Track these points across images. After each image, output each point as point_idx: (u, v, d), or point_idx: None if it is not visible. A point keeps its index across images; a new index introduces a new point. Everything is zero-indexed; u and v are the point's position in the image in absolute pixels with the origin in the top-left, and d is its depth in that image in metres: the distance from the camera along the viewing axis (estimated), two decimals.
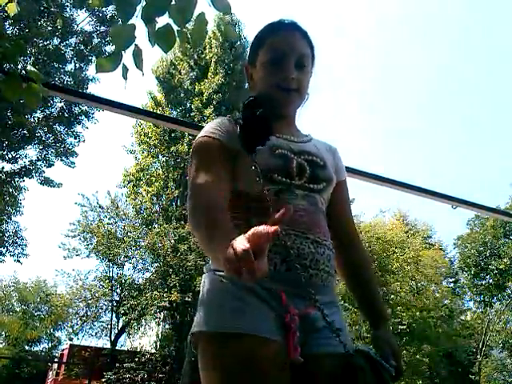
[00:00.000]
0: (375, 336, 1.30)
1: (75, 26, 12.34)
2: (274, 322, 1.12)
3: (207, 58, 18.63)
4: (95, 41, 12.68)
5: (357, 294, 1.36)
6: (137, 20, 1.52)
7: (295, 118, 1.38)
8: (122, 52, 1.55)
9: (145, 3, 1.49)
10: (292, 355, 1.09)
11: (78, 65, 12.72)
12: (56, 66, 12.21)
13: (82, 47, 12.56)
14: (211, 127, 1.27)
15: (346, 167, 2.88)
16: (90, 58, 12.58)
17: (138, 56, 1.53)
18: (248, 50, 1.39)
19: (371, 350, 1.21)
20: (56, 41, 12.28)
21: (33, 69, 1.88)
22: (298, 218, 1.19)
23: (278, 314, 1.13)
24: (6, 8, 1.96)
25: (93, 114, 13.19)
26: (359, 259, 1.37)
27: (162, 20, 1.54)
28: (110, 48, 12.51)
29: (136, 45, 1.52)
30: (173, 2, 1.51)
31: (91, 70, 12.80)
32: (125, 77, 1.55)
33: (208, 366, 1.13)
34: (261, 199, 1.17)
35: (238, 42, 19.20)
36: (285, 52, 1.28)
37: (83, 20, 12.49)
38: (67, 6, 12.12)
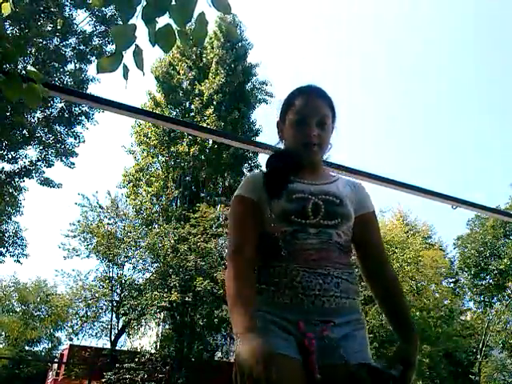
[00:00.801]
0: (397, 348, 1.45)
1: (75, 26, 12.33)
2: (293, 345, 1.35)
3: (208, 58, 18.63)
4: (95, 41, 12.67)
5: (385, 309, 1.55)
6: (137, 20, 1.52)
7: (320, 164, 1.62)
8: (123, 52, 1.55)
9: (145, 3, 1.49)
10: (315, 373, 1.31)
11: (77, 65, 12.71)
12: (56, 66, 12.20)
13: (82, 47, 12.55)
14: (244, 185, 1.58)
15: (346, 167, 2.90)
16: (90, 58, 12.58)
17: (138, 56, 1.53)
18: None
19: (379, 363, 1.37)
20: (56, 41, 12.27)
21: (33, 69, 1.88)
22: (307, 256, 1.42)
23: (297, 339, 1.36)
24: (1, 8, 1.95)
25: (93, 114, 13.18)
26: (387, 279, 1.54)
27: (163, 20, 1.54)
28: (110, 48, 12.51)
29: (137, 45, 1.52)
30: (173, 2, 1.51)
31: (91, 70, 12.79)
32: (125, 77, 1.55)
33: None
34: (274, 241, 1.45)
35: (240, 43, 19.20)
36: (308, 114, 1.54)
37: (83, 20, 12.49)
38: (67, 5, 12.10)
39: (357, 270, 1.58)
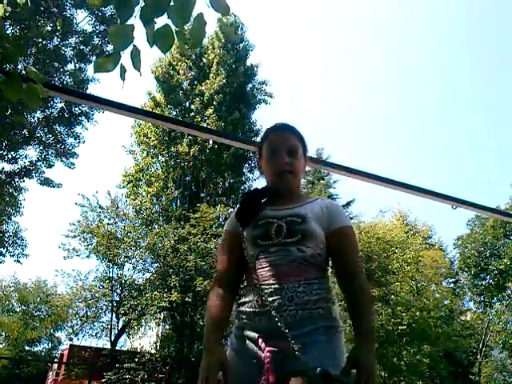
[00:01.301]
0: (350, 352, 1.47)
1: (75, 26, 12.32)
2: (252, 362, 1.51)
3: (209, 58, 18.63)
4: (95, 40, 12.66)
5: (350, 315, 1.58)
6: (135, 20, 1.51)
7: (296, 189, 1.77)
8: (121, 52, 1.54)
9: (143, 4, 1.49)
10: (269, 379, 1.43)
11: (77, 65, 12.71)
12: (56, 66, 12.20)
13: (82, 47, 12.54)
14: (228, 219, 1.81)
15: (346, 167, 2.89)
16: (90, 57, 12.57)
17: (136, 56, 1.53)
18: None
19: (336, 371, 1.40)
20: (56, 41, 12.27)
21: (33, 69, 1.88)
22: (265, 273, 1.57)
23: (257, 354, 1.51)
24: None
25: (93, 115, 13.17)
26: (353, 293, 1.58)
27: (161, 20, 1.54)
28: (110, 48, 12.49)
29: (134, 45, 1.52)
30: (171, 3, 1.50)
31: (91, 70, 12.79)
32: (122, 77, 1.55)
33: None
34: (247, 264, 1.63)
35: (241, 44, 19.20)
36: (279, 145, 1.74)
37: (83, 20, 12.48)
38: (67, 5, 12.09)
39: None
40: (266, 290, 1.54)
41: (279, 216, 1.64)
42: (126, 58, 1.54)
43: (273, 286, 1.54)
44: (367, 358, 1.41)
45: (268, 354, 1.47)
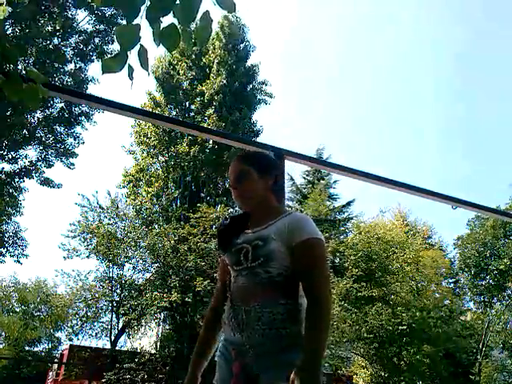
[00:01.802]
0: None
1: (75, 26, 12.32)
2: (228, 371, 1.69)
3: (210, 58, 18.63)
4: (95, 40, 12.66)
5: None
6: (141, 20, 1.51)
7: (264, 209, 1.81)
8: (128, 52, 1.54)
9: (149, 3, 1.49)
10: None
11: (77, 65, 12.71)
12: (56, 65, 12.20)
13: (82, 47, 12.55)
14: None
15: (346, 167, 2.89)
16: (91, 57, 12.57)
17: (143, 56, 1.53)
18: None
19: None
20: (56, 40, 12.27)
21: (33, 69, 1.88)
22: (236, 295, 1.71)
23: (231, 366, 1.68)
24: None
25: (92, 115, 13.19)
26: (308, 322, 1.56)
27: (166, 19, 1.54)
28: (110, 48, 12.49)
29: (141, 45, 1.52)
30: (177, 2, 1.50)
31: (91, 71, 12.79)
32: (131, 77, 1.55)
33: None
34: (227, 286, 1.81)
35: (241, 45, 19.20)
36: (230, 181, 1.87)
37: (83, 19, 12.48)
38: (68, 6, 12.10)
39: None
40: (237, 310, 1.67)
41: (247, 241, 1.74)
42: (132, 57, 1.54)
43: (242, 307, 1.66)
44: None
45: (236, 368, 1.64)
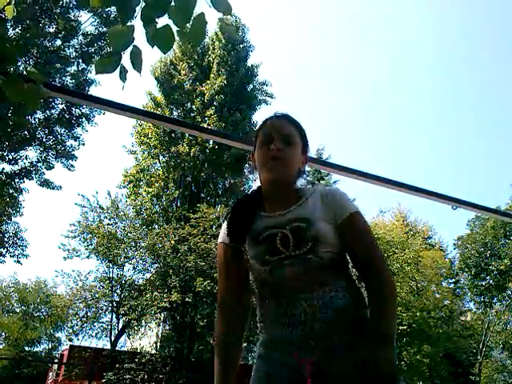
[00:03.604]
0: (365, 358, 1.33)
1: (78, 28, 12.31)
2: (286, 374, 1.42)
3: (210, 59, 18.63)
4: (97, 42, 12.65)
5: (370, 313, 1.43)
6: (135, 21, 1.51)
7: (289, 182, 1.54)
8: (121, 53, 1.54)
9: (144, 4, 1.49)
10: None
11: (79, 66, 12.71)
12: (58, 67, 12.20)
13: (84, 48, 12.54)
14: (220, 232, 1.62)
15: (346, 168, 2.89)
16: (92, 59, 12.56)
17: (136, 57, 1.52)
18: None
19: None
20: (58, 42, 12.27)
21: (33, 69, 1.88)
22: (290, 287, 1.42)
23: (292, 369, 1.40)
24: (4, 11, 1.95)
25: (93, 116, 13.18)
26: (371, 287, 1.42)
27: (161, 21, 1.54)
28: (110, 50, 12.47)
29: (135, 46, 1.52)
30: (172, 3, 1.50)
31: (93, 73, 12.79)
32: (123, 78, 1.55)
33: None
34: (256, 281, 1.51)
35: (241, 44, 19.20)
36: (270, 132, 1.53)
37: (86, 21, 12.48)
38: (70, 7, 12.08)
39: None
40: (290, 303, 1.42)
41: (280, 224, 1.46)
42: (127, 58, 1.54)
43: (298, 298, 1.41)
44: (385, 365, 1.28)
45: (308, 368, 1.36)
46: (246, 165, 18.85)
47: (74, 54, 12.56)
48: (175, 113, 18.24)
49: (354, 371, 1.33)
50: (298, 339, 1.39)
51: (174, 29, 1.53)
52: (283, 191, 1.52)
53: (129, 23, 1.52)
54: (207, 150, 17.38)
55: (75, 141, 13.16)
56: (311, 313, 1.38)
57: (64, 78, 12.51)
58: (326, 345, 1.37)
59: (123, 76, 1.56)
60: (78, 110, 12.89)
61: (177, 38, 1.54)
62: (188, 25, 1.56)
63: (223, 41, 18.65)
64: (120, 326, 15.25)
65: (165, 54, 1.58)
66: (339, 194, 1.52)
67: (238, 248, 1.53)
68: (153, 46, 1.54)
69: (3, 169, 12.51)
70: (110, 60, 1.54)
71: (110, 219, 15.04)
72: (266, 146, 1.52)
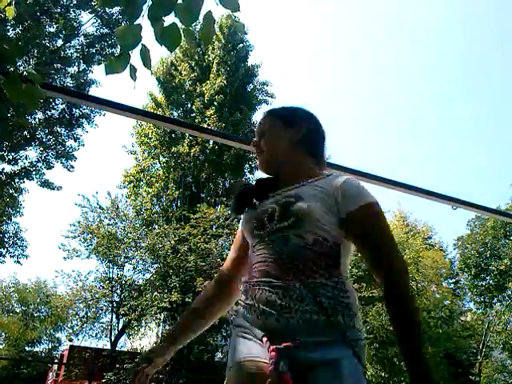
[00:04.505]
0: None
1: (79, 28, 12.32)
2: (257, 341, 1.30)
3: (210, 59, 18.64)
4: (98, 43, 12.65)
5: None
6: (143, 19, 1.52)
7: (294, 171, 1.49)
8: (130, 52, 1.55)
9: (151, 3, 1.49)
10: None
11: (80, 67, 12.72)
12: (58, 67, 12.21)
13: (85, 49, 12.54)
14: None
15: (346, 168, 2.89)
16: (93, 59, 12.57)
17: (145, 55, 1.54)
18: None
19: None
20: (59, 42, 12.28)
21: (32, 70, 1.88)
22: (261, 268, 1.34)
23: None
24: (5, 11, 1.96)
25: (93, 117, 13.19)
26: (384, 285, 1.30)
27: (168, 19, 1.54)
28: (114, 50, 12.46)
29: (143, 44, 1.53)
30: (179, 1, 1.51)
31: (94, 73, 12.80)
32: (133, 77, 1.55)
33: None
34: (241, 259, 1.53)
35: (241, 44, 19.20)
36: (253, 135, 1.61)
37: (86, 22, 12.48)
38: (71, 7, 12.08)
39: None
40: (264, 289, 1.29)
41: (274, 201, 1.41)
42: (134, 57, 1.55)
43: (273, 285, 1.28)
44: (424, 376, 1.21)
45: (273, 353, 1.21)
46: (247, 165, 18.87)
47: (75, 54, 12.56)
48: (175, 113, 18.25)
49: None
50: (269, 328, 1.27)
51: (181, 27, 1.53)
52: (287, 175, 1.48)
53: (136, 22, 1.53)
54: (207, 150, 17.39)
55: (75, 141, 13.18)
56: (285, 304, 1.25)
57: (64, 79, 12.52)
58: (303, 342, 1.22)
59: (133, 75, 1.57)
60: (78, 111, 12.90)
61: (183, 36, 1.55)
62: (195, 23, 1.56)
63: (223, 41, 18.65)
64: (120, 326, 15.26)
65: (171, 52, 1.59)
66: (355, 182, 1.42)
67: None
68: (161, 45, 1.55)
69: (3, 169, 12.53)
70: (120, 60, 1.56)
71: (110, 219, 15.05)
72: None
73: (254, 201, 1.46)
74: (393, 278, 1.28)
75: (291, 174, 1.47)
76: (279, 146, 1.50)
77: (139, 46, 1.53)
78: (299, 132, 1.51)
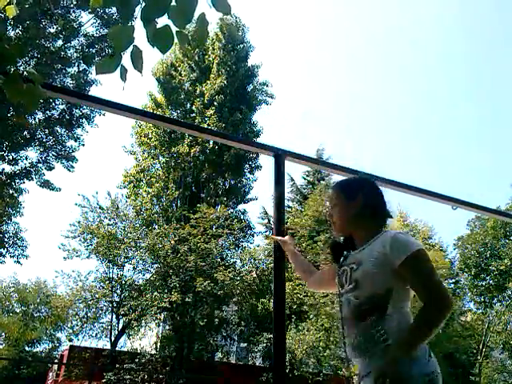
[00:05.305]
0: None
1: (79, 28, 12.32)
2: None
3: (210, 59, 18.64)
4: (98, 43, 12.65)
5: None
6: (135, 21, 1.52)
7: (362, 234, 1.88)
8: (122, 53, 1.54)
9: (144, 4, 1.49)
10: None
11: (80, 67, 12.72)
12: (58, 67, 12.20)
13: (86, 49, 12.55)
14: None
15: (346, 168, 2.89)
16: (94, 60, 12.57)
17: (137, 57, 1.53)
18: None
19: None
20: (59, 42, 12.27)
21: (31, 70, 1.88)
22: (342, 319, 1.82)
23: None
24: (5, 11, 1.96)
25: (93, 117, 13.19)
26: (419, 313, 1.65)
27: (162, 21, 1.54)
28: (113, 50, 12.46)
29: (135, 46, 1.52)
30: (173, 3, 1.50)
31: (94, 73, 12.80)
32: (123, 78, 1.55)
33: None
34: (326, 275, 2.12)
35: (241, 45, 19.20)
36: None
37: (87, 22, 12.48)
38: (71, 7, 12.08)
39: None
40: (345, 332, 1.81)
41: (349, 263, 1.84)
42: (127, 58, 1.55)
43: (348, 334, 1.78)
44: (386, 366, 1.55)
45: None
46: (246, 165, 18.88)
47: (75, 54, 12.57)
48: (175, 113, 18.26)
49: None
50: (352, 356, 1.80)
51: (174, 29, 1.53)
52: (357, 238, 1.89)
53: (129, 23, 1.52)
54: (207, 150, 17.39)
55: (75, 141, 13.18)
56: (354, 347, 1.74)
57: (64, 80, 12.52)
58: (364, 371, 1.74)
59: (123, 76, 1.56)
60: (78, 111, 12.90)
61: (176, 38, 1.54)
62: (188, 26, 1.56)
63: (223, 41, 18.65)
64: (120, 327, 15.26)
65: (163, 54, 1.58)
66: (400, 236, 1.76)
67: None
68: (153, 46, 1.54)
69: (3, 169, 12.52)
70: (110, 60, 1.55)
71: (110, 219, 15.06)
72: None
73: (345, 253, 1.91)
74: (430, 315, 1.63)
75: (359, 237, 1.88)
76: (345, 217, 1.93)
77: (131, 48, 1.53)
78: (358, 205, 1.91)
